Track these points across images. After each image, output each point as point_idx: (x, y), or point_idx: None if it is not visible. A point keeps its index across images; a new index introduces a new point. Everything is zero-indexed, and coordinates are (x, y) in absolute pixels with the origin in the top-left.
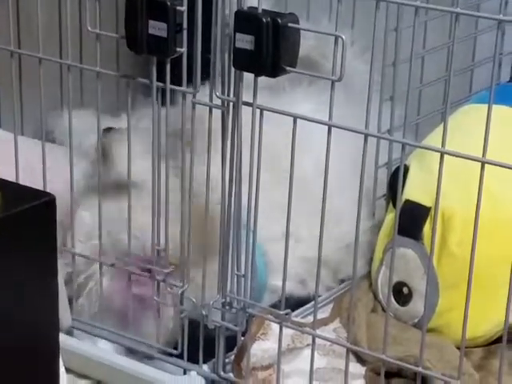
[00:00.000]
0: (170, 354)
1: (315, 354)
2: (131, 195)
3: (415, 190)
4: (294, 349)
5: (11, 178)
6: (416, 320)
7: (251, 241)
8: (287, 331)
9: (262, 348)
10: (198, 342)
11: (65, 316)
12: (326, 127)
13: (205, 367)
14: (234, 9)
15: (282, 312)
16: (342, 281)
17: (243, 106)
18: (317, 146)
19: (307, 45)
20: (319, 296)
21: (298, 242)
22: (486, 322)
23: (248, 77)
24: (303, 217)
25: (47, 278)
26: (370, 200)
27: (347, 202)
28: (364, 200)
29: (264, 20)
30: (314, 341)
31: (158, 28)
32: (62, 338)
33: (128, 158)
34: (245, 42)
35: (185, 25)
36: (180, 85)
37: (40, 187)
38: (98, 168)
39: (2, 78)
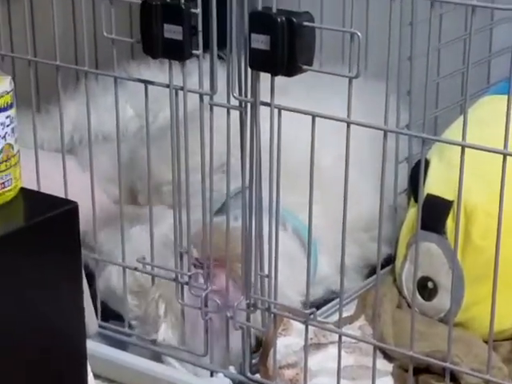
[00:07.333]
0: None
1: (342, 351)
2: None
3: (436, 184)
4: (320, 345)
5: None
6: (442, 315)
7: (274, 241)
8: (310, 326)
9: (285, 344)
10: None
11: (91, 322)
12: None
13: (231, 369)
14: (249, 9)
15: (307, 311)
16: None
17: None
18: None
19: None
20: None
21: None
22: None
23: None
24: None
25: (72, 285)
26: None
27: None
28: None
29: (279, 20)
30: (340, 339)
31: (173, 31)
32: (89, 344)
33: (148, 162)
34: (260, 42)
35: (200, 27)
36: None
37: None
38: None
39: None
